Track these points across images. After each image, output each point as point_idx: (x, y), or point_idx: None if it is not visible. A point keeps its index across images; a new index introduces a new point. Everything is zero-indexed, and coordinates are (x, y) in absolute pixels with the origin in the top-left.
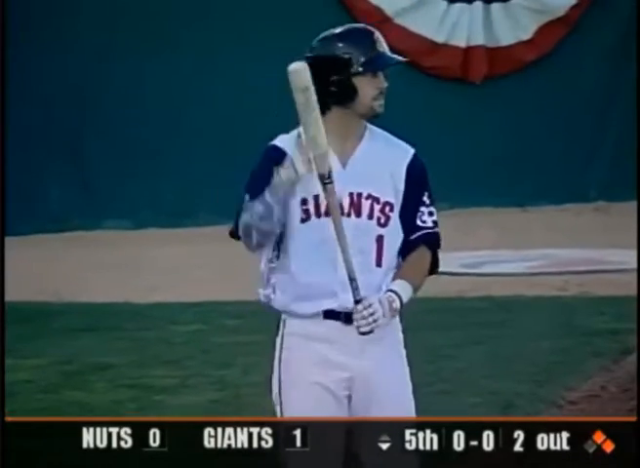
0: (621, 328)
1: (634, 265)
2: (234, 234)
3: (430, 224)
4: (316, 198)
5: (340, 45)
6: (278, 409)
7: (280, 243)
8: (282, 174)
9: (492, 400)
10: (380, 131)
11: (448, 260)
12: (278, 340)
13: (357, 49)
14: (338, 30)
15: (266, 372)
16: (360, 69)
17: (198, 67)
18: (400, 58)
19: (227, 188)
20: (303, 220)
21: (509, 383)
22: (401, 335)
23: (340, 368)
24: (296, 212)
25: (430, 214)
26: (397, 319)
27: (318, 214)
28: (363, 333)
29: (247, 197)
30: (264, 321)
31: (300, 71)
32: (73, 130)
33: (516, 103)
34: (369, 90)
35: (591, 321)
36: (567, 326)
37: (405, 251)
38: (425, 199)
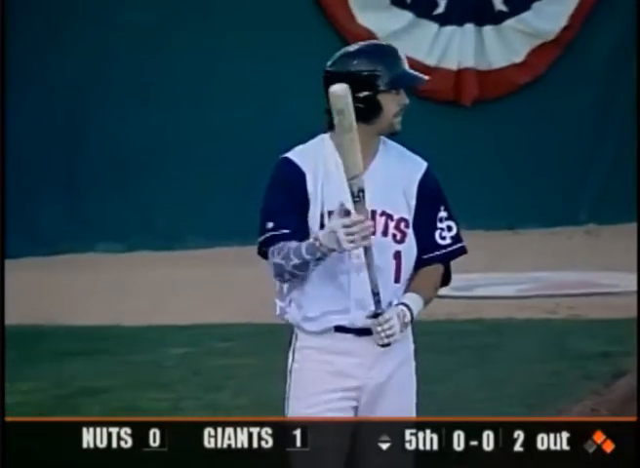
0: (613, 351)
1: (625, 288)
2: (263, 255)
3: (449, 241)
4: (330, 214)
5: (367, 61)
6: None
7: None
8: (324, 243)
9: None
10: (394, 144)
11: None
12: (290, 354)
13: (384, 66)
14: (362, 46)
15: (257, 395)
16: (386, 87)
17: (189, 92)
18: (424, 76)
19: (217, 212)
20: None
21: (500, 406)
22: (412, 347)
23: (350, 377)
24: (315, 228)
25: (449, 228)
26: (410, 331)
27: None
28: (382, 346)
29: (270, 224)
30: (255, 343)
31: (337, 93)
32: (65, 153)
33: (507, 126)
34: (392, 107)
35: (582, 344)
36: (558, 349)
37: (419, 266)
38: (442, 214)
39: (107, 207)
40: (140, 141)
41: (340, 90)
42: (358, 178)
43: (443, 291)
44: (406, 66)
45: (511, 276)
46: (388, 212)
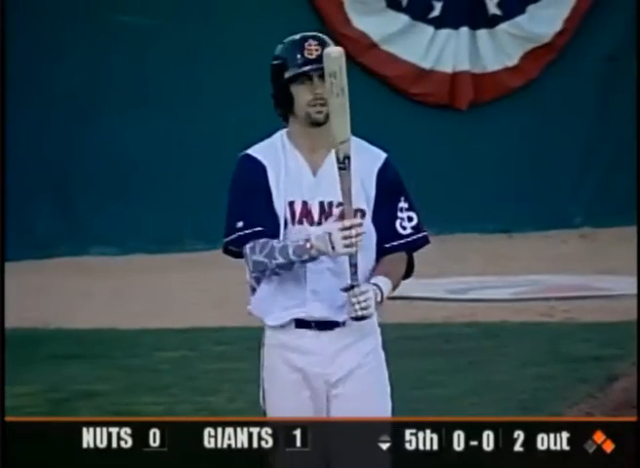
0: (607, 354)
1: (620, 291)
2: (229, 253)
3: (410, 231)
4: (292, 205)
5: (278, 52)
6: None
7: None
8: (316, 246)
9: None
10: (353, 138)
11: (434, 286)
12: (261, 350)
13: (289, 55)
14: (286, 39)
15: (253, 399)
16: (290, 74)
17: (185, 96)
18: (320, 65)
19: (213, 214)
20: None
21: (495, 410)
22: (379, 340)
23: (314, 375)
24: (280, 221)
25: (410, 219)
26: (375, 322)
27: (293, 222)
28: (356, 319)
29: (240, 224)
30: (250, 347)
31: (332, 56)
32: (61, 157)
33: (502, 130)
34: (304, 95)
35: (577, 347)
36: (553, 352)
37: (381, 255)
38: (402, 204)
39: (103, 210)
40: (136, 145)
41: (334, 52)
42: (346, 144)
43: (438, 294)
44: (312, 56)
45: (506, 279)
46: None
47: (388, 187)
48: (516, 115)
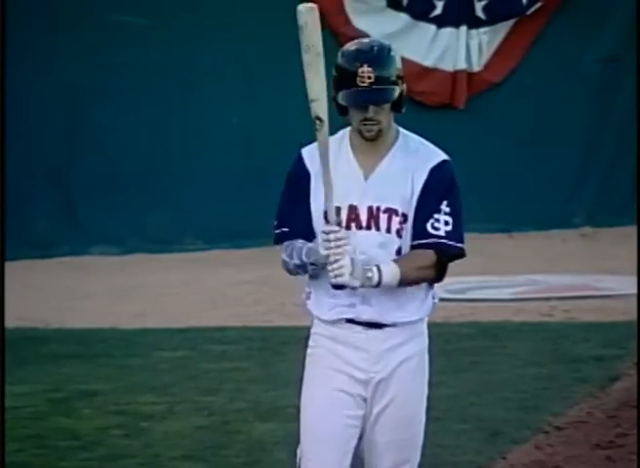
0: (608, 354)
1: (621, 291)
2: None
3: (442, 234)
4: (338, 209)
5: (339, 62)
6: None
7: None
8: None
9: (479, 426)
10: (415, 138)
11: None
12: (310, 340)
13: (344, 74)
14: (352, 46)
15: (253, 398)
16: (340, 100)
17: (184, 95)
18: (372, 101)
19: (213, 214)
20: None
21: (496, 410)
22: (425, 343)
23: (356, 368)
24: (321, 226)
25: (446, 223)
26: (424, 327)
27: (356, 226)
28: (334, 287)
29: (275, 222)
30: (251, 347)
31: (299, 9)
32: (61, 156)
33: (502, 130)
34: (356, 116)
35: (577, 347)
36: (553, 352)
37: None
38: (443, 207)
39: (103, 209)
40: (136, 144)
41: (303, 7)
42: (315, 104)
43: (438, 294)
44: (364, 83)
45: (507, 279)
46: (393, 207)
47: (435, 187)
48: (517, 115)
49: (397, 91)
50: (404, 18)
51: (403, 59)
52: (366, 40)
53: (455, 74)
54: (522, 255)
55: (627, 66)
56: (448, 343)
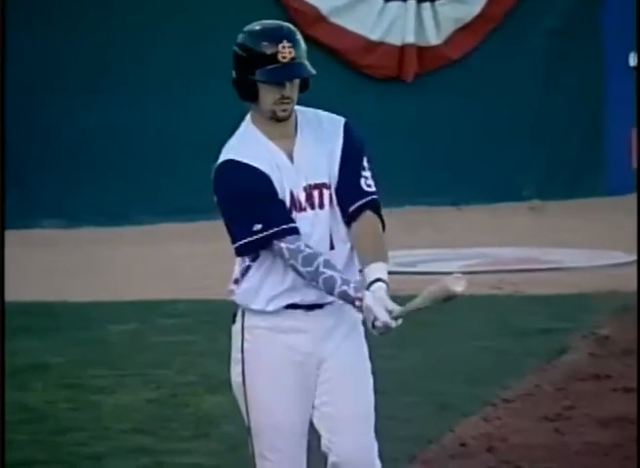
0: (555, 327)
1: (569, 264)
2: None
3: (374, 189)
4: (292, 193)
5: (247, 43)
6: (242, 399)
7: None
8: (365, 307)
9: (427, 399)
10: (311, 112)
11: None
12: (238, 333)
13: (260, 52)
14: (257, 26)
15: (202, 371)
16: (258, 78)
17: (137, 76)
18: (298, 74)
19: (161, 189)
20: None
21: (444, 383)
22: (360, 315)
23: (303, 354)
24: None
25: (371, 178)
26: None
27: (296, 209)
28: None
29: (259, 226)
30: (202, 320)
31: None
32: (11, 129)
33: (449, 102)
34: (269, 95)
35: (525, 320)
36: (502, 325)
37: (353, 216)
38: (365, 163)
39: (51, 182)
40: (86, 118)
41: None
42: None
43: (388, 267)
44: (285, 59)
45: (455, 252)
46: (322, 181)
47: (352, 147)
48: (464, 88)
49: (311, 70)
50: None
51: (349, 33)
52: (269, 21)
53: (403, 48)
54: (471, 229)
55: (575, 39)
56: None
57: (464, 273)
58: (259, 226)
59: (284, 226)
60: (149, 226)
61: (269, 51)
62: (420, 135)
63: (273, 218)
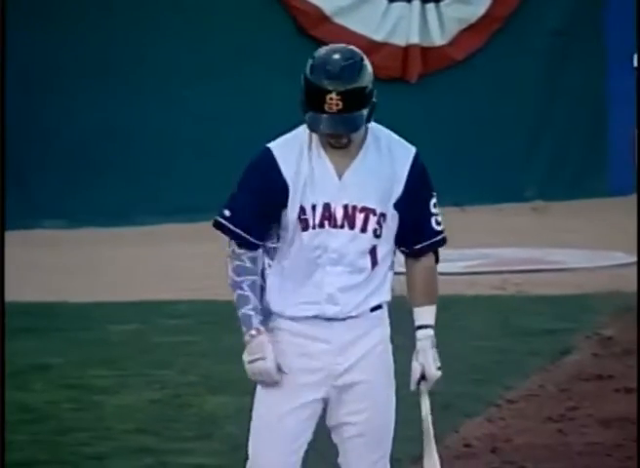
0: (559, 328)
1: (572, 265)
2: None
3: (441, 228)
4: (314, 208)
5: (308, 74)
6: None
7: (274, 250)
8: (250, 344)
9: (431, 400)
10: (384, 133)
11: None
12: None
13: (310, 96)
14: (323, 57)
15: (204, 372)
16: (309, 124)
17: (140, 72)
18: (336, 130)
19: (164, 189)
20: (303, 229)
21: (448, 383)
22: (387, 331)
23: (317, 360)
24: (295, 225)
25: (437, 212)
26: (386, 316)
27: (314, 226)
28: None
29: (227, 212)
30: (203, 320)
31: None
32: (12, 129)
33: (453, 103)
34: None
35: (529, 320)
36: (505, 325)
37: (415, 253)
38: (434, 201)
39: (53, 182)
40: (86, 120)
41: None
42: None
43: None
44: (330, 109)
45: (459, 253)
46: (370, 207)
47: (420, 186)
48: (467, 88)
49: (366, 112)
50: None
51: (353, 33)
52: (337, 54)
53: (407, 48)
54: (474, 229)
55: (578, 40)
56: (400, 317)
57: (467, 274)
58: (229, 214)
59: (245, 235)
60: (150, 227)
61: (317, 98)
62: (424, 135)
63: (245, 219)
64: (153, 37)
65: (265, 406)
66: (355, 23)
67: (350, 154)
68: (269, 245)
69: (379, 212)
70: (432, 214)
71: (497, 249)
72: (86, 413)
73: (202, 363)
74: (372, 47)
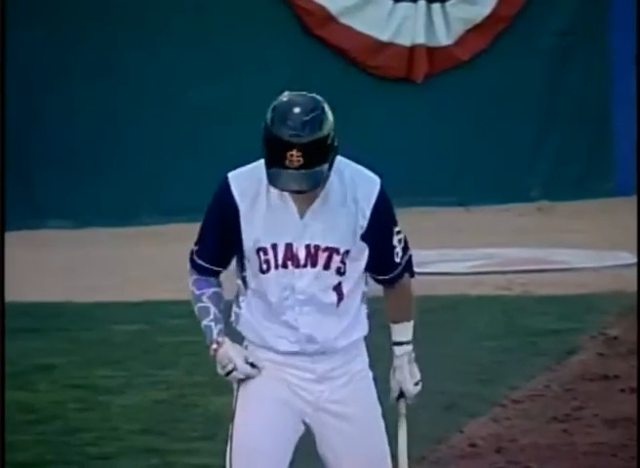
0: (564, 327)
1: (577, 265)
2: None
3: (402, 257)
4: (274, 247)
5: (268, 123)
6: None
7: (244, 280)
8: (218, 354)
9: (436, 400)
10: (348, 167)
11: None
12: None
13: (270, 150)
14: (284, 108)
15: (209, 372)
16: (269, 176)
17: (143, 71)
18: (294, 188)
19: (169, 188)
20: (264, 271)
21: (453, 383)
22: (367, 360)
23: (300, 388)
24: (255, 261)
25: (400, 241)
26: (362, 346)
27: (276, 266)
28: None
29: (196, 247)
30: None
31: None
32: (17, 129)
33: (458, 103)
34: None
35: (534, 320)
36: (510, 325)
37: (385, 283)
38: (396, 229)
39: (58, 183)
40: (92, 118)
41: None
42: None
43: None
44: (291, 164)
45: (464, 253)
46: (333, 246)
47: (383, 218)
48: (473, 88)
49: (327, 165)
50: None
51: (359, 33)
52: (298, 107)
53: (412, 48)
54: (479, 229)
55: (583, 40)
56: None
57: (472, 274)
58: (196, 247)
59: (202, 263)
60: (155, 227)
61: (278, 152)
62: (430, 135)
63: (207, 250)
64: (154, 37)
65: (243, 431)
66: (361, 23)
67: (313, 193)
68: (239, 273)
69: (342, 250)
70: (393, 247)
71: (502, 249)
72: (91, 414)
73: (206, 363)
74: (377, 47)
